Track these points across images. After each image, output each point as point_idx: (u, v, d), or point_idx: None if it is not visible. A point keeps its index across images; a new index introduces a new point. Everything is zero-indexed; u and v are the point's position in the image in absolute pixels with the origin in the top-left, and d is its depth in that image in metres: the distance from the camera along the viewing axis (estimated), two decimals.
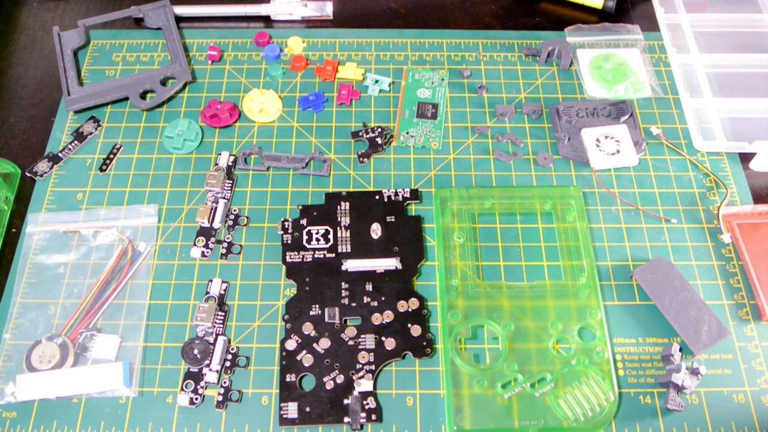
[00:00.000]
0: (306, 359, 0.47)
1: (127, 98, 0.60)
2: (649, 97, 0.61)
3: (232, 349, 0.48)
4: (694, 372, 0.46)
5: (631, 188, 0.56)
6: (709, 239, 0.54)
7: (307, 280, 0.50)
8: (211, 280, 0.51)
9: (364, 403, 0.46)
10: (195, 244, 0.53)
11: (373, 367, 0.47)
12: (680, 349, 0.47)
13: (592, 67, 0.62)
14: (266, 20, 0.68)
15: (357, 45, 0.65)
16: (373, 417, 0.45)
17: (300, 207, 0.54)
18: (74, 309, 0.49)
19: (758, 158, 0.57)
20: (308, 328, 0.48)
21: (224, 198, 0.55)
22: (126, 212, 0.54)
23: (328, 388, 0.46)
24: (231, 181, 0.56)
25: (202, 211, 0.53)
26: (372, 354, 0.47)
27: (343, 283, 0.50)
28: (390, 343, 0.48)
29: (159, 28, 0.66)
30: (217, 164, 0.57)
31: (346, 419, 0.45)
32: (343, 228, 0.53)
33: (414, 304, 0.49)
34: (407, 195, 0.54)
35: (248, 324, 0.50)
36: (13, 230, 0.54)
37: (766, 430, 0.46)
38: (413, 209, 0.55)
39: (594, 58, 0.63)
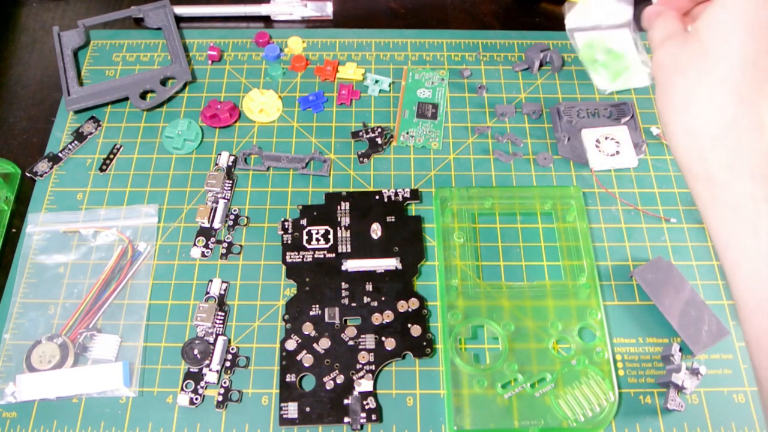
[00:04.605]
0: (306, 359, 0.47)
1: (127, 98, 0.60)
2: (647, 86, 0.62)
3: (232, 349, 0.48)
4: (694, 372, 0.46)
5: (631, 188, 0.56)
6: (709, 239, 0.54)
7: (307, 280, 0.50)
8: (211, 280, 0.51)
9: (364, 403, 0.46)
10: (195, 244, 0.53)
11: (373, 367, 0.47)
12: (680, 349, 0.47)
13: (590, 59, 0.63)
14: (266, 20, 0.68)
15: (357, 45, 0.65)
16: (373, 417, 0.45)
17: (300, 207, 0.54)
18: (74, 309, 0.49)
19: None
20: (308, 328, 0.48)
21: (224, 198, 0.55)
22: (126, 212, 0.54)
23: (328, 388, 0.46)
24: (231, 181, 0.56)
25: (202, 211, 0.53)
26: (372, 354, 0.47)
27: (343, 283, 0.50)
28: (390, 343, 0.48)
29: (159, 28, 0.66)
30: (217, 164, 0.57)
31: (346, 419, 0.45)
32: (343, 228, 0.53)
33: (414, 304, 0.49)
34: (407, 195, 0.54)
35: (248, 324, 0.50)
36: (13, 230, 0.54)
37: (766, 430, 0.46)
38: (413, 209, 0.55)
39: (586, 43, 0.63)
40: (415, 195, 0.54)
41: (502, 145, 0.59)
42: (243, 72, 0.63)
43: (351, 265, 0.51)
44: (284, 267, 0.51)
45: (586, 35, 0.64)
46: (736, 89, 0.31)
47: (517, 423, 0.45)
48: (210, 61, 0.64)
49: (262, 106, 0.59)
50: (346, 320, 0.49)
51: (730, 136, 0.31)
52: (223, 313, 0.50)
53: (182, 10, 0.67)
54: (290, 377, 0.47)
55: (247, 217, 0.54)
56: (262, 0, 0.68)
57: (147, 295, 0.50)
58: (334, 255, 0.51)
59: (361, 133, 0.58)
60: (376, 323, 0.48)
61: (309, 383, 0.47)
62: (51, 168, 0.57)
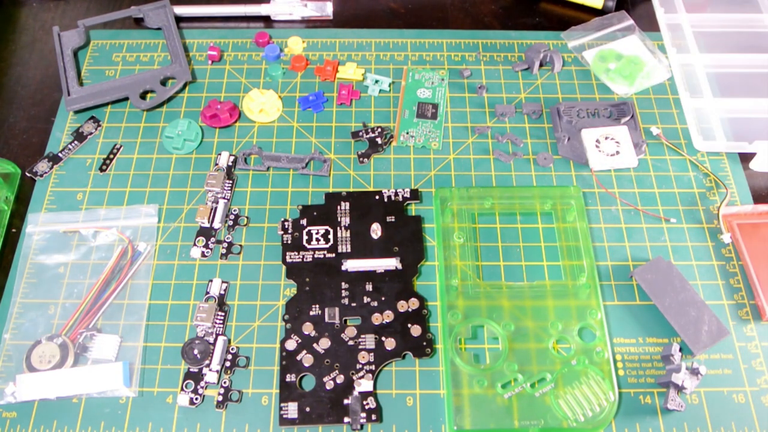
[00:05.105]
0: (306, 359, 0.47)
1: (127, 98, 0.60)
2: (663, 82, 0.62)
3: (232, 349, 0.48)
4: (694, 372, 0.46)
5: (631, 188, 0.56)
6: (709, 239, 0.54)
7: (307, 280, 0.50)
8: (211, 280, 0.51)
9: (364, 403, 0.46)
10: (195, 244, 0.53)
11: (373, 367, 0.47)
12: (680, 349, 0.47)
13: (603, 70, 0.62)
14: (266, 20, 0.68)
15: (357, 45, 0.65)
16: (373, 417, 0.45)
17: (300, 207, 0.54)
18: (74, 309, 0.49)
19: (758, 158, 0.57)
20: (308, 328, 0.48)
21: (224, 198, 0.55)
22: (126, 212, 0.54)
23: (328, 388, 0.46)
24: (231, 181, 0.56)
25: (202, 211, 0.53)
26: (372, 354, 0.47)
27: (343, 283, 0.50)
28: (390, 343, 0.48)
29: (159, 28, 0.66)
30: (217, 164, 0.57)
31: (346, 419, 0.45)
32: (343, 228, 0.53)
33: (414, 304, 0.49)
34: (407, 195, 0.54)
35: (248, 324, 0.50)
36: (13, 230, 0.54)
37: (766, 430, 0.46)
38: (413, 209, 0.55)
39: (597, 57, 0.63)
40: (415, 195, 0.54)
41: (502, 145, 0.59)
42: (243, 72, 0.63)
43: (351, 265, 0.51)
44: (284, 267, 0.51)
45: (594, 51, 0.64)
46: None
47: (517, 423, 0.45)
48: (210, 61, 0.64)
49: (262, 106, 0.59)
50: (346, 320, 0.49)
51: None
52: (223, 313, 0.50)
53: (182, 10, 0.67)
54: (290, 377, 0.47)
55: (247, 217, 0.54)
56: (262, 0, 0.68)
57: (147, 295, 0.50)
58: (334, 255, 0.51)
59: (361, 133, 0.58)
60: (376, 323, 0.48)
61: (309, 383, 0.47)
62: (51, 168, 0.57)
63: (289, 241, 0.52)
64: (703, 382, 0.47)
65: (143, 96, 0.61)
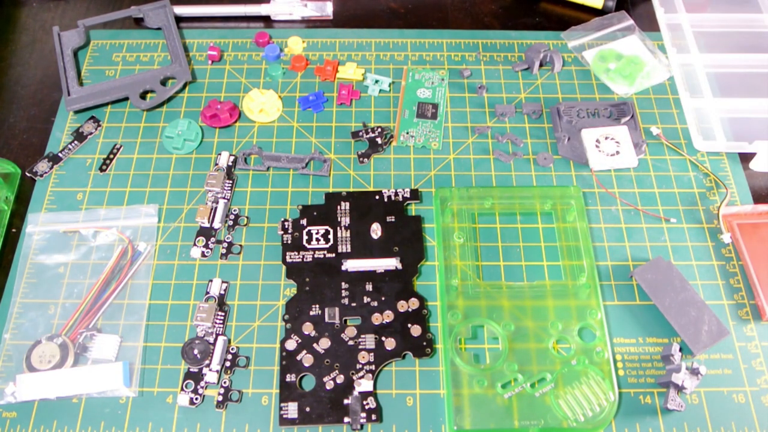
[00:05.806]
0: (306, 359, 0.47)
1: (127, 98, 0.60)
2: (663, 82, 0.62)
3: (232, 349, 0.48)
4: (694, 372, 0.46)
5: (631, 188, 0.56)
6: (709, 239, 0.54)
7: (307, 280, 0.50)
8: (211, 280, 0.51)
9: (364, 403, 0.46)
10: (195, 244, 0.53)
11: (373, 367, 0.47)
12: (680, 349, 0.47)
13: (603, 70, 0.62)
14: (266, 20, 0.68)
15: (357, 45, 0.65)
16: (373, 417, 0.45)
17: (300, 207, 0.54)
18: (74, 309, 0.49)
19: (758, 158, 0.57)
20: (308, 328, 0.48)
21: (224, 198, 0.55)
22: (126, 212, 0.54)
23: (328, 388, 0.46)
24: (231, 181, 0.56)
25: (202, 211, 0.53)
26: (372, 354, 0.47)
27: (343, 283, 0.50)
28: (390, 343, 0.48)
29: (159, 28, 0.66)
30: (217, 164, 0.57)
31: (346, 419, 0.45)
32: (343, 228, 0.53)
33: (414, 304, 0.49)
34: (407, 195, 0.54)
35: (248, 324, 0.50)
36: (13, 230, 0.54)
37: (766, 430, 0.46)
38: (413, 209, 0.55)
39: (597, 57, 0.63)
40: (415, 195, 0.54)
41: (502, 145, 0.59)
42: (243, 72, 0.63)
43: (351, 265, 0.51)
44: (284, 267, 0.51)
45: (594, 51, 0.64)
46: None
47: (517, 423, 0.45)
48: (210, 61, 0.64)
49: (262, 106, 0.59)
50: (346, 320, 0.49)
51: None
52: (223, 313, 0.50)
53: (182, 10, 0.67)
54: (290, 377, 0.47)
55: (247, 217, 0.54)
56: (262, 0, 0.68)
57: (147, 295, 0.50)
58: (334, 255, 0.51)
59: (361, 133, 0.58)
60: (376, 323, 0.48)
61: (309, 383, 0.47)
62: (51, 168, 0.57)
63: (289, 241, 0.52)
64: (703, 382, 0.47)
65: (143, 96, 0.61)
